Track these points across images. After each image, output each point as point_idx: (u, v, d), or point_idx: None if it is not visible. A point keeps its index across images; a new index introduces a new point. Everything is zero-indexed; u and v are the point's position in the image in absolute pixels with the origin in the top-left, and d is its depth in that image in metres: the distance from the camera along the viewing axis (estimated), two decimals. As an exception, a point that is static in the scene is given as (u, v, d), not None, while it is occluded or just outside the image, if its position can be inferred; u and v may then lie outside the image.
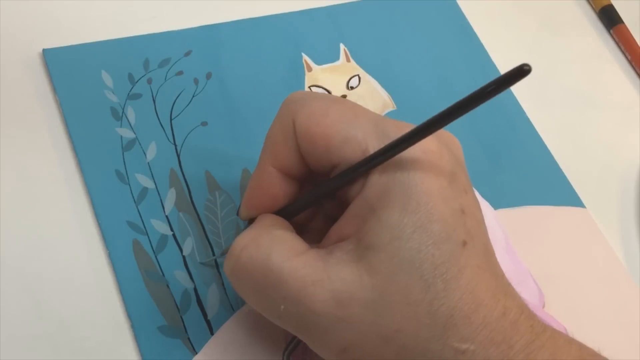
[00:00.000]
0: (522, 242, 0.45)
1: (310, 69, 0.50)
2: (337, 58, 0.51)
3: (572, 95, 0.55)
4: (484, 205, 0.46)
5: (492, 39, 0.55)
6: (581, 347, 0.31)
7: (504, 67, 0.54)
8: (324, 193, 0.33)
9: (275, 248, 0.31)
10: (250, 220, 0.35)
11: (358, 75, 0.51)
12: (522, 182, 0.49)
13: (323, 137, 0.31)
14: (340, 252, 0.30)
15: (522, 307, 0.30)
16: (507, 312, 0.29)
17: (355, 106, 0.32)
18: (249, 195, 0.35)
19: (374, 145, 0.30)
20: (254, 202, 0.34)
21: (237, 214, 0.36)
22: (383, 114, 0.49)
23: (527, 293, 0.43)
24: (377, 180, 0.30)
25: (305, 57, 0.50)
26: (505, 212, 0.47)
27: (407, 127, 0.30)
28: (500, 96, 0.52)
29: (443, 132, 0.32)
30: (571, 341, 0.31)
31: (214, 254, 0.40)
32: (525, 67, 0.24)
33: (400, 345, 0.29)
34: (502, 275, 0.31)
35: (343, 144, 0.30)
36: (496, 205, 0.47)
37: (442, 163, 0.30)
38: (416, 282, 0.28)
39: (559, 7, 0.60)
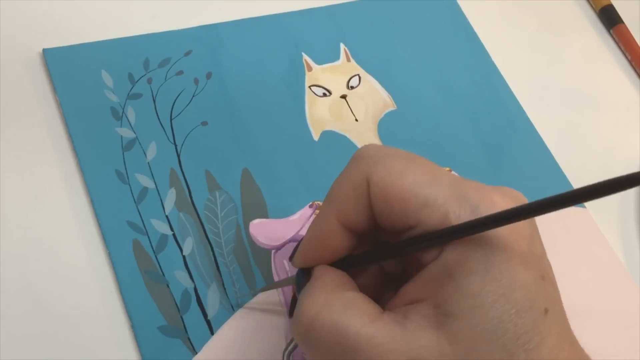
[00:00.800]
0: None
1: (310, 69, 0.50)
2: (337, 58, 0.51)
3: (572, 95, 0.55)
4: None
5: (492, 39, 0.55)
6: None
7: (504, 66, 0.54)
8: (396, 254, 0.32)
9: (350, 314, 0.29)
10: (304, 270, 0.34)
11: (358, 74, 0.51)
12: (522, 181, 0.49)
13: (401, 200, 0.30)
14: (417, 317, 0.29)
15: None
16: None
17: (433, 166, 0.31)
18: (307, 245, 0.33)
19: (454, 211, 0.29)
20: (312, 254, 0.33)
21: (290, 260, 0.35)
22: (383, 114, 0.49)
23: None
24: (456, 246, 0.29)
25: (305, 56, 0.50)
26: (505, 212, 0.47)
27: (487, 194, 0.29)
28: (501, 96, 0.52)
29: (512, 191, 0.31)
30: None
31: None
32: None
33: None
34: (577, 341, 0.30)
35: (422, 208, 0.29)
36: (496, 205, 0.47)
37: (522, 230, 0.29)
38: (498, 352, 0.27)
39: (559, 7, 0.60)
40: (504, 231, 0.28)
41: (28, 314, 0.37)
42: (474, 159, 0.49)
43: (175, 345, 0.37)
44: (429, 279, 0.29)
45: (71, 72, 0.44)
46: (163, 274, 0.39)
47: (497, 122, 0.51)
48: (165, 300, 0.38)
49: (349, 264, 0.33)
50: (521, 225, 0.29)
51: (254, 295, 0.39)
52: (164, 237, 0.40)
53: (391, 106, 0.50)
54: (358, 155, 0.32)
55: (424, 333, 0.28)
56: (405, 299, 0.30)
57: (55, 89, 0.44)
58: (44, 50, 0.45)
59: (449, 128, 0.50)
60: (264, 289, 0.39)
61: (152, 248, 0.39)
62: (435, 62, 0.53)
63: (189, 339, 0.37)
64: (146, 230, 0.40)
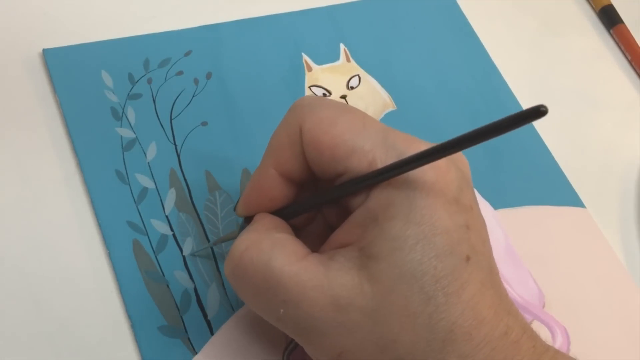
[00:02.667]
0: (522, 242, 0.45)
1: (310, 69, 0.50)
2: (337, 58, 0.51)
3: (572, 95, 0.55)
4: (484, 205, 0.46)
5: (492, 39, 0.55)
6: None
7: (504, 67, 0.54)
8: (326, 200, 0.33)
9: (276, 252, 0.31)
10: (247, 219, 0.35)
11: (358, 75, 0.51)
12: (522, 182, 0.49)
13: (330, 147, 0.31)
14: (342, 258, 0.30)
15: (525, 327, 0.30)
16: (509, 331, 0.29)
17: (364, 116, 0.32)
18: (247, 194, 0.35)
19: (381, 158, 0.30)
20: (252, 202, 0.35)
21: (234, 210, 0.36)
22: (383, 114, 0.49)
23: (527, 293, 0.43)
24: (382, 191, 0.30)
25: (305, 57, 0.50)
26: (505, 212, 0.47)
27: (416, 142, 0.30)
28: (501, 96, 0.52)
29: None
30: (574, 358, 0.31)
31: (209, 241, 0.40)
32: (542, 109, 0.24)
33: (396, 356, 0.29)
34: (506, 294, 0.31)
35: (350, 155, 0.30)
36: (496, 205, 0.47)
37: (449, 179, 0.30)
38: (416, 293, 0.28)
39: (559, 7, 0.60)
40: (429, 178, 0.29)
41: (27, 314, 0.37)
42: (473, 159, 0.48)
43: (175, 345, 0.37)
44: (355, 223, 0.30)
45: (71, 72, 0.44)
46: (163, 274, 0.39)
47: (497, 122, 0.51)
48: (165, 300, 0.38)
49: (289, 214, 0.34)
50: (449, 176, 0.30)
51: (212, 246, 0.40)
52: (164, 237, 0.40)
53: (391, 106, 0.50)
54: (294, 105, 0.33)
55: (347, 273, 0.29)
56: (334, 243, 0.31)
57: (55, 89, 0.44)
58: (44, 50, 0.45)
59: (449, 128, 0.50)
60: (216, 242, 0.40)
61: (152, 248, 0.40)
62: (435, 62, 0.53)
63: (189, 339, 0.37)
64: (146, 230, 0.40)
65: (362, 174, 0.30)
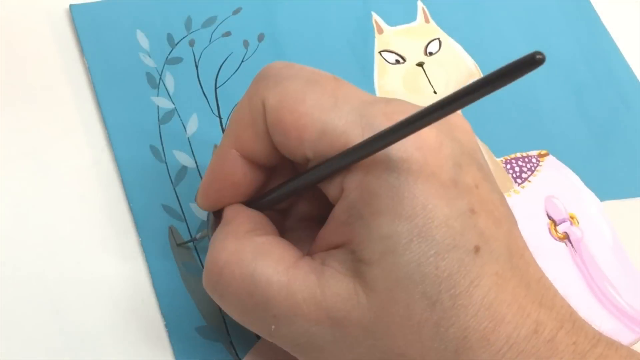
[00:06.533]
0: (634, 240, 0.45)
1: (381, 31, 0.50)
2: (413, 18, 0.51)
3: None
4: (588, 197, 0.46)
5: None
6: None
7: (616, 30, 0.53)
8: (295, 189, 0.33)
9: (260, 261, 0.31)
10: (216, 213, 0.35)
11: (438, 38, 0.50)
12: (635, 169, 0.48)
13: (296, 128, 0.30)
14: (335, 263, 0.30)
15: (563, 320, 0.29)
16: (540, 329, 0.28)
17: (338, 88, 0.31)
18: (206, 180, 0.35)
19: (355, 140, 0.29)
20: (213, 190, 0.34)
21: (195, 201, 0.36)
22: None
23: (638, 301, 0.42)
24: (361, 180, 0.29)
25: (375, 16, 0.50)
26: (613, 205, 0.46)
27: (402, 115, 0.29)
28: (612, 66, 0.51)
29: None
30: (633, 354, 0.30)
31: (191, 236, 0.40)
32: (538, 57, 0.23)
33: None
34: (538, 280, 0.30)
35: (319, 137, 0.30)
36: (603, 196, 0.46)
37: (442, 156, 0.29)
38: (418, 300, 0.28)
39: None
40: (416, 158, 0.28)
41: (44, 313, 0.38)
42: (576, 141, 0.49)
43: (215, 350, 0.38)
44: (339, 221, 0.30)
45: (101, 31, 0.45)
46: (203, 267, 0.39)
47: (606, 98, 0.51)
48: (205, 297, 0.38)
49: (263, 205, 0.34)
50: (443, 153, 0.29)
51: (201, 237, 0.40)
52: (205, 224, 0.41)
53: (477, 76, 0.49)
54: (257, 76, 0.33)
55: (341, 281, 0.29)
56: (324, 243, 0.31)
57: (83, 51, 0.45)
58: (70, 6, 0.46)
59: (547, 104, 0.49)
60: (202, 235, 0.40)
61: (191, 236, 0.40)
62: (532, 23, 0.53)
63: (231, 342, 0.38)
64: (184, 216, 0.41)
65: (331, 157, 0.30)
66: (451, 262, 0.28)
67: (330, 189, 0.31)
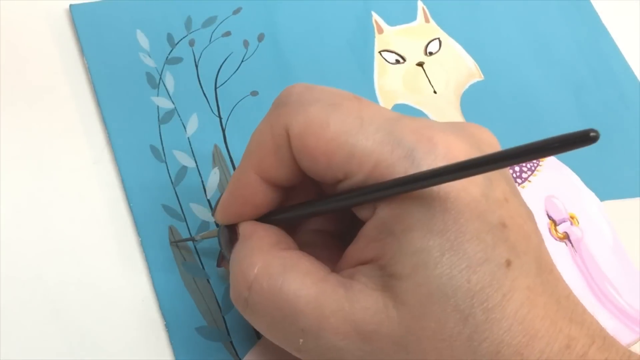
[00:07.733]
0: (634, 240, 0.45)
1: (381, 31, 0.50)
2: (413, 18, 0.51)
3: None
4: (588, 196, 0.46)
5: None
6: None
7: (615, 28, 0.53)
8: (326, 211, 0.33)
9: (288, 275, 0.31)
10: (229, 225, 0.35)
11: (438, 38, 0.50)
12: (635, 169, 0.48)
13: (324, 154, 0.31)
14: (363, 278, 0.30)
15: (594, 336, 0.29)
16: (573, 343, 0.28)
17: (361, 109, 0.31)
18: (227, 200, 0.35)
19: (385, 159, 0.29)
20: (232, 210, 0.35)
21: (212, 215, 0.36)
22: (468, 84, 0.49)
23: (636, 300, 0.42)
24: (393, 199, 0.29)
25: (375, 16, 0.50)
26: (614, 205, 0.46)
27: (427, 132, 0.29)
28: (612, 64, 0.51)
29: (472, 126, 0.32)
30: None
31: (190, 236, 0.40)
32: (592, 134, 0.23)
33: None
34: (567, 296, 0.30)
35: (349, 159, 0.30)
36: (603, 196, 0.46)
37: None
38: (450, 314, 0.28)
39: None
40: None
41: (48, 305, 0.38)
42: (577, 140, 0.48)
43: (216, 350, 0.38)
44: (370, 237, 0.30)
45: (101, 31, 0.45)
46: (203, 267, 0.40)
47: (605, 97, 0.51)
48: (206, 297, 0.39)
49: (279, 221, 0.34)
50: None
51: (201, 239, 0.40)
52: (204, 224, 0.41)
53: (477, 76, 0.49)
54: (278, 101, 0.33)
55: (370, 295, 0.29)
56: (352, 260, 0.31)
57: (82, 51, 0.45)
58: (70, 6, 0.46)
59: (546, 103, 0.49)
60: (203, 236, 0.40)
61: (191, 236, 0.40)
62: (532, 24, 0.53)
63: (231, 342, 0.38)
64: (184, 216, 0.41)
65: (365, 184, 0.30)
66: (483, 275, 0.28)
67: (363, 210, 0.31)
